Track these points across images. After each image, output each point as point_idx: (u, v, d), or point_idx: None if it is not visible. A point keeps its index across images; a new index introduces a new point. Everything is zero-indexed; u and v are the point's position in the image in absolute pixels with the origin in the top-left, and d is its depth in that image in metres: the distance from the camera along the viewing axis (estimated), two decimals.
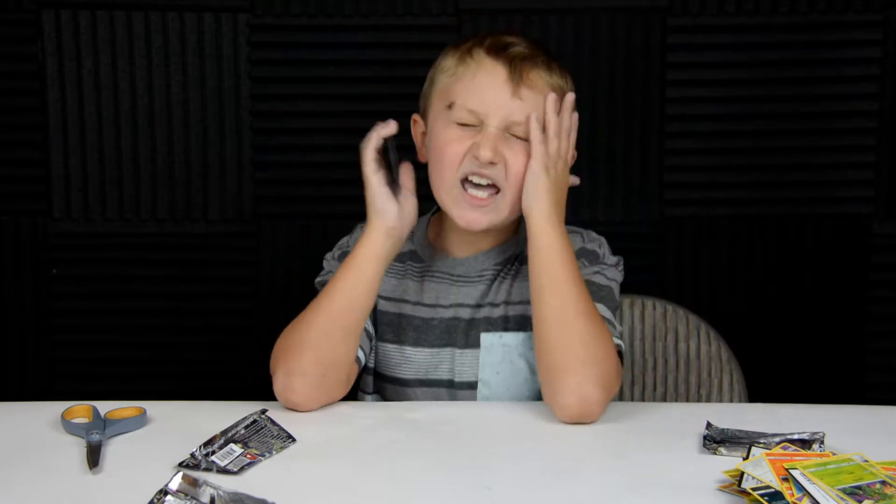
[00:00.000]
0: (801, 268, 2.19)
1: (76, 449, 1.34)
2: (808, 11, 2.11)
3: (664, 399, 1.83)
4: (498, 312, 1.58)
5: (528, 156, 1.49)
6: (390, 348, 1.61)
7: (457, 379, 1.59)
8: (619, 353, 1.50)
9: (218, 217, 2.19)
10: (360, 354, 1.54)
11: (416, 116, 1.61)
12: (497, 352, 1.58)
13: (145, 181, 2.18)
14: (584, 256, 1.57)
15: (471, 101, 1.50)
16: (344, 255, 1.56)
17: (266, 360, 1.48)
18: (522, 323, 1.57)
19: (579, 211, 2.16)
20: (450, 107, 1.52)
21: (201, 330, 2.23)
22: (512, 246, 1.61)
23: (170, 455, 1.31)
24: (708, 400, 1.81)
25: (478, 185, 1.50)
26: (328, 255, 1.63)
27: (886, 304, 2.20)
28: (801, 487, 1.17)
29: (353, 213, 1.59)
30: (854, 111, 2.14)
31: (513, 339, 1.58)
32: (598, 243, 1.61)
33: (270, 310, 2.21)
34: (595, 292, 1.53)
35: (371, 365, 1.63)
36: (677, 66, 2.14)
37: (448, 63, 1.55)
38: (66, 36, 2.13)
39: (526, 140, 1.49)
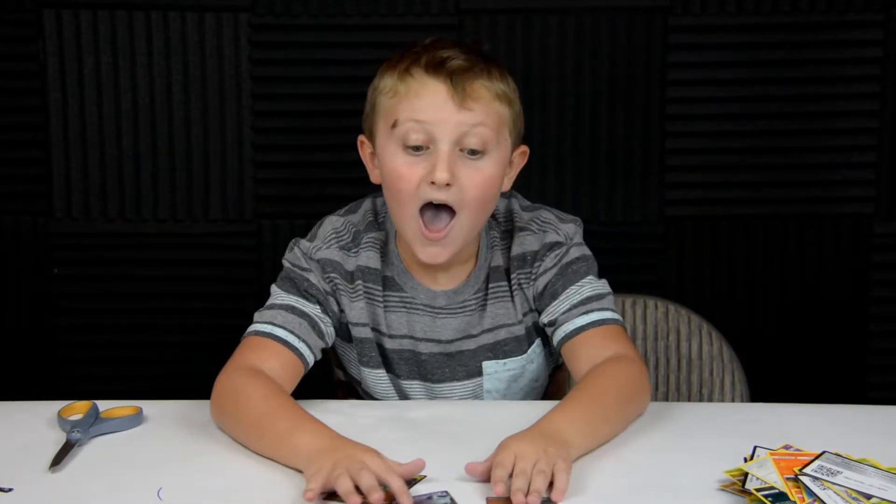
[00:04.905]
0: (801, 268, 2.19)
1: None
2: (809, 11, 2.11)
3: (666, 399, 1.83)
4: (491, 338, 1.56)
5: (483, 175, 1.44)
6: (414, 384, 1.60)
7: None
8: (620, 325, 1.53)
9: (218, 217, 2.19)
10: (309, 357, 1.49)
11: (362, 138, 1.54)
12: (503, 377, 1.58)
13: (146, 181, 2.17)
14: (549, 250, 1.54)
15: (416, 115, 1.43)
16: (292, 285, 1.51)
17: None
18: (519, 344, 1.57)
19: (580, 211, 2.16)
20: (394, 125, 1.44)
21: (201, 330, 2.22)
22: (483, 269, 1.56)
23: (160, 455, 1.32)
24: (710, 399, 1.81)
25: (436, 207, 1.45)
26: (274, 287, 1.54)
27: (887, 304, 2.19)
28: (811, 493, 1.17)
29: None
30: (854, 111, 2.14)
31: (515, 363, 1.58)
32: (554, 230, 1.56)
33: None
34: (581, 267, 1.54)
35: (348, 381, 1.65)
36: (678, 65, 2.14)
37: (387, 83, 1.47)
38: (68, 35, 2.13)
39: (479, 154, 1.44)
